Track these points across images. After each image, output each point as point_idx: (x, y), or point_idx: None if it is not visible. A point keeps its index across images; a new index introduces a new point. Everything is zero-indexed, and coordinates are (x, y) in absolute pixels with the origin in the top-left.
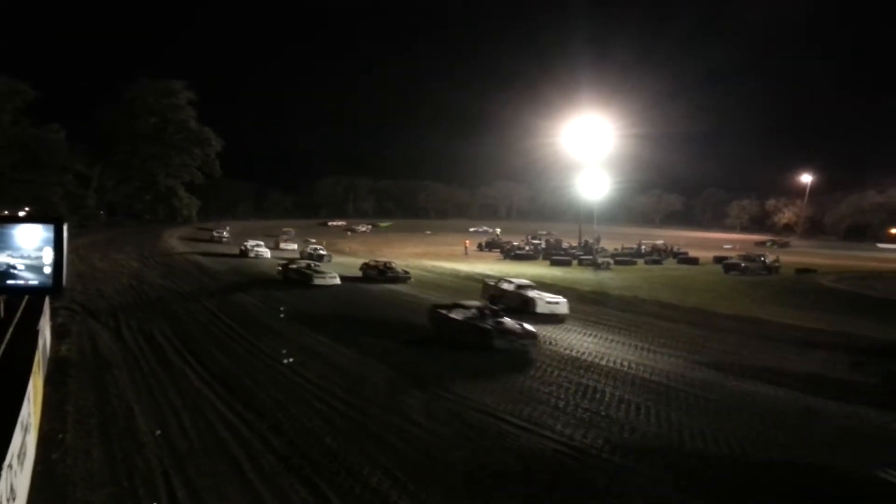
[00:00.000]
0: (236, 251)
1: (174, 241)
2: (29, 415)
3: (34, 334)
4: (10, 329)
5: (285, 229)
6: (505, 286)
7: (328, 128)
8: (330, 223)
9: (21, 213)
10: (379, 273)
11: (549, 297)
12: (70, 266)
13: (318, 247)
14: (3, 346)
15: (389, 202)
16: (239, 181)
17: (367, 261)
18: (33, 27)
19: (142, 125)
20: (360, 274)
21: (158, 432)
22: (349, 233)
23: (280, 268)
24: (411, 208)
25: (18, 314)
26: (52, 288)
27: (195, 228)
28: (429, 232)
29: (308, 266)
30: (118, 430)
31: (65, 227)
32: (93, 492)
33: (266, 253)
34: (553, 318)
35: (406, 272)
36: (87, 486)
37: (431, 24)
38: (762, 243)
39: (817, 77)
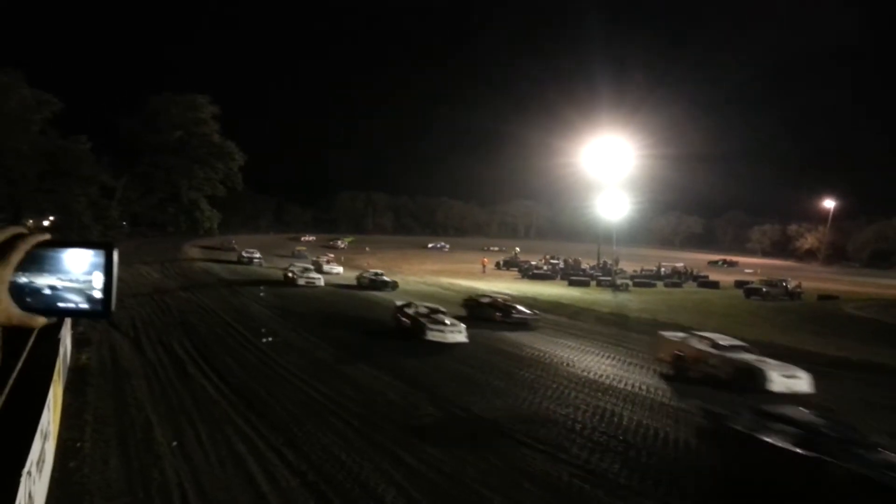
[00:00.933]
0: (272, 273)
1: (195, 251)
2: (49, 422)
3: (55, 343)
4: (32, 337)
5: (298, 248)
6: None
7: (348, 144)
8: (303, 238)
9: (72, 238)
10: (501, 314)
11: None
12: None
13: (379, 272)
14: (25, 354)
15: (407, 218)
16: (260, 195)
17: (474, 295)
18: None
19: (166, 138)
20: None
21: (175, 443)
22: (367, 248)
23: (396, 315)
24: (429, 225)
25: None
26: (102, 312)
27: (215, 244)
28: (446, 248)
29: (427, 313)
30: (135, 440)
31: (115, 253)
32: (109, 501)
33: (320, 280)
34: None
35: (535, 313)
36: (104, 495)
37: (452, 44)
38: (714, 262)
39: (842, 101)
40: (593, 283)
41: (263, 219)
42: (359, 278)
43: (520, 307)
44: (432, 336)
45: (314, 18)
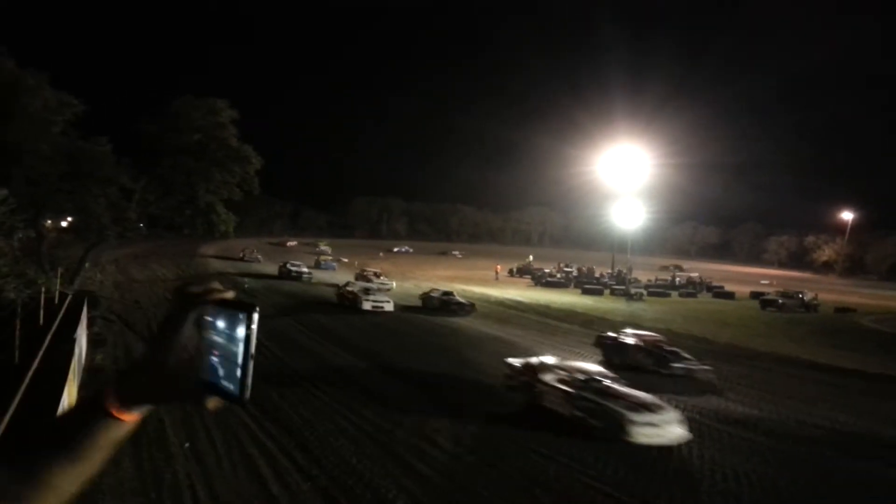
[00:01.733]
0: (322, 292)
1: (216, 262)
2: None
3: (70, 343)
4: (49, 336)
5: (323, 257)
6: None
7: (365, 150)
8: (289, 243)
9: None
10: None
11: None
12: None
13: (448, 291)
14: (41, 353)
15: (422, 224)
16: (276, 199)
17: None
18: (87, 43)
19: (186, 140)
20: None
21: (187, 445)
22: (381, 254)
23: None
24: (444, 231)
25: (57, 322)
26: (236, 394)
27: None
28: (459, 255)
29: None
30: (148, 441)
31: (255, 317)
32: (121, 502)
33: (390, 304)
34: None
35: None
36: (116, 495)
37: (469, 52)
38: (665, 267)
39: (862, 112)
40: (607, 291)
41: (278, 223)
42: (424, 298)
43: None
44: (643, 437)
45: (332, 25)
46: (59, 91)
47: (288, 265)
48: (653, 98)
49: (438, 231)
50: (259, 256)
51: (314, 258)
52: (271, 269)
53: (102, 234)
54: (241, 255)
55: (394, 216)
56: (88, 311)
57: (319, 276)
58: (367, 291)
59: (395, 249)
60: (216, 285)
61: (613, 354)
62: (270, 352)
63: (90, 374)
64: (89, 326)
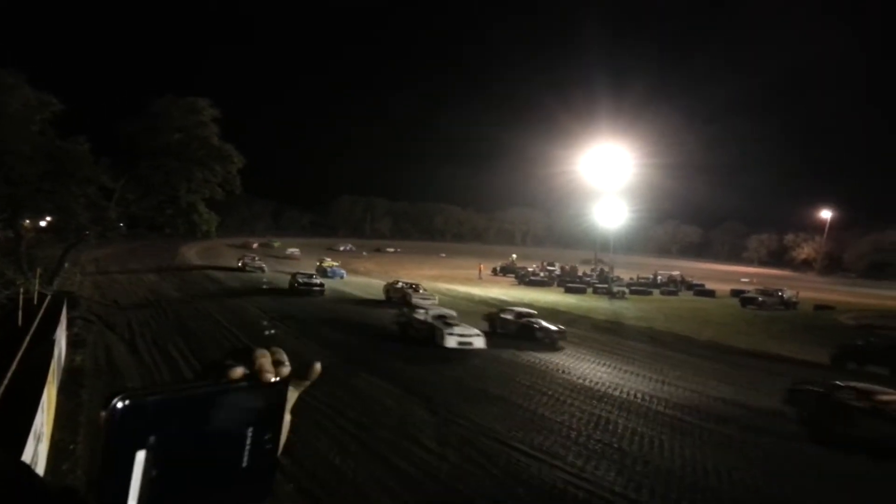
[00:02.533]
0: (370, 315)
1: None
2: (42, 424)
3: (50, 344)
4: (28, 338)
5: (327, 263)
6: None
7: (348, 150)
8: (254, 245)
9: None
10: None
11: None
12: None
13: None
14: (20, 355)
15: (406, 223)
16: (258, 198)
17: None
18: (63, 42)
19: (166, 140)
20: None
21: None
22: (365, 253)
23: None
24: (428, 230)
25: (36, 323)
26: (258, 494)
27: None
28: (443, 255)
29: None
30: None
31: (287, 393)
32: None
33: (480, 340)
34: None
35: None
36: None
37: (454, 52)
38: (586, 261)
39: (840, 112)
40: (590, 290)
41: (260, 222)
42: (492, 319)
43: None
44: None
45: (316, 24)
46: (39, 90)
47: (298, 277)
48: (635, 98)
49: (423, 230)
50: (263, 265)
51: (311, 264)
52: (272, 277)
53: (82, 233)
54: (239, 263)
55: (378, 215)
56: (68, 312)
57: (329, 285)
58: (444, 321)
59: (389, 249)
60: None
61: (497, 326)
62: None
63: (70, 376)
64: (69, 327)
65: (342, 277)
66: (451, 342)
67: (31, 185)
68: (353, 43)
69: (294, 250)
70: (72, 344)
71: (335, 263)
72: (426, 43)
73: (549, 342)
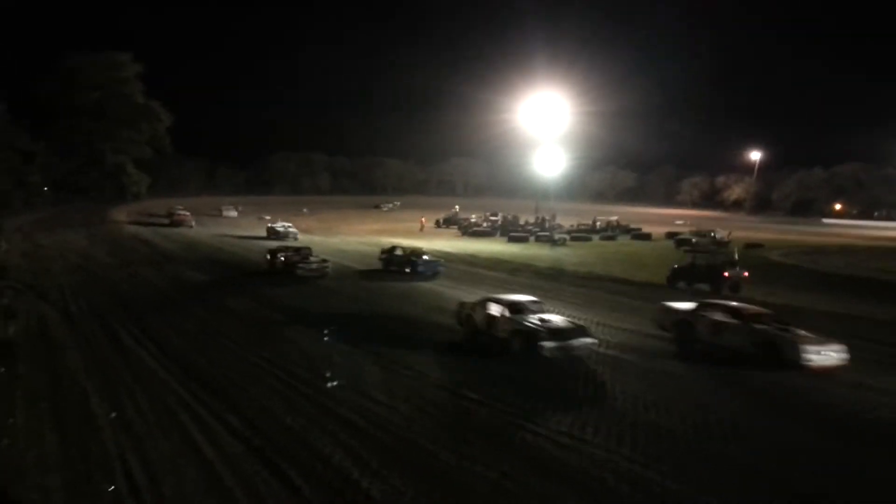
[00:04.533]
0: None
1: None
2: None
3: None
4: None
5: (278, 225)
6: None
7: (283, 103)
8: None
9: None
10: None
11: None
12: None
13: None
14: None
15: (345, 178)
16: (190, 157)
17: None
18: None
19: (83, 99)
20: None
21: (114, 415)
22: (305, 210)
23: None
24: (368, 185)
25: None
26: None
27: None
28: (386, 208)
29: None
30: (71, 414)
31: None
32: (46, 476)
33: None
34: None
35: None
36: (41, 470)
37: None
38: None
39: (768, 56)
40: (532, 238)
41: (192, 182)
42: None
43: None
44: None
45: None
46: None
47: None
48: (571, 46)
49: (363, 185)
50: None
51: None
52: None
53: (5, 200)
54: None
55: (315, 171)
56: None
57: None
58: (518, 311)
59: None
60: None
61: (389, 264)
62: None
63: (2, 348)
64: None
65: (296, 239)
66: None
67: None
68: None
69: (231, 211)
70: (3, 315)
71: (288, 224)
72: None
73: (431, 274)
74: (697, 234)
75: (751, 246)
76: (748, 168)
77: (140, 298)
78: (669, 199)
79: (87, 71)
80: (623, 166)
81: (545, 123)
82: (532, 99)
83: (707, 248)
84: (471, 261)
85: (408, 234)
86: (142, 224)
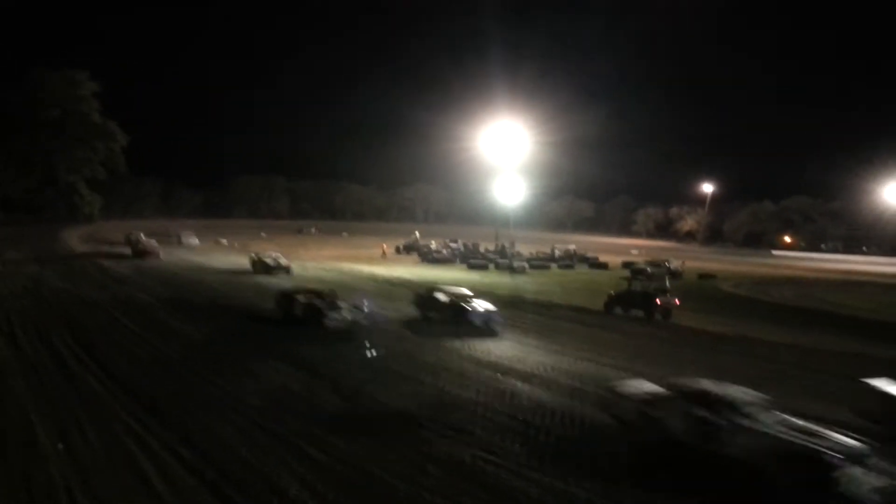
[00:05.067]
0: None
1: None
2: None
3: None
4: None
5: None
6: None
7: (244, 126)
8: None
9: None
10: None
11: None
12: None
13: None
14: None
15: (305, 203)
16: (146, 178)
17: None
18: None
19: (43, 116)
20: None
21: (61, 445)
22: (263, 234)
23: None
24: (328, 210)
25: None
26: None
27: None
28: (345, 234)
29: None
30: (16, 444)
31: None
32: None
33: None
34: None
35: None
36: None
37: (352, 26)
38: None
39: (721, 90)
40: (492, 266)
41: (148, 203)
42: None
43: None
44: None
45: None
46: None
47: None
48: (531, 76)
49: (323, 210)
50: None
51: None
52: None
53: None
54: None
55: (275, 195)
56: None
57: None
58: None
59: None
60: None
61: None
62: None
63: None
64: None
65: (289, 273)
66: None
67: None
68: (246, 12)
69: (192, 238)
70: None
71: (277, 254)
72: (323, 16)
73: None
74: (652, 263)
75: (704, 276)
76: (701, 200)
77: (90, 323)
78: (625, 229)
79: (46, 87)
80: (581, 196)
81: (505, 152)
82: (492, 127)
83: (647, 275)
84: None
85: (369, 260)
86: (100, 256)
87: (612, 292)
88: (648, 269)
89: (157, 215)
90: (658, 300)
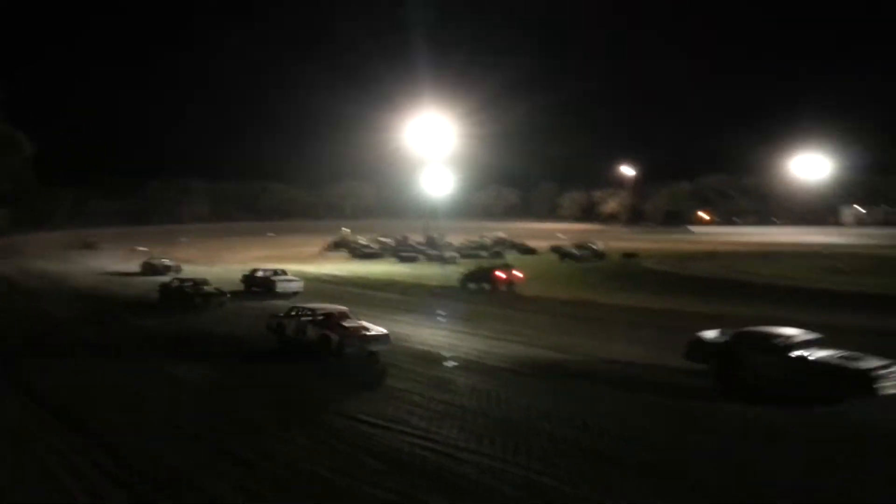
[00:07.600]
0: None
1: None
2: None
3: None
4: None
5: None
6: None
7: (159, 128)
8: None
9: None
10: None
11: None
12: None
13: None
14: None
15: (228, 205)
16: (58, 189)
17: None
18: None
19: None
20: None
21: None
22: (184, 239)
23: None
24: (252, 210)
25: None
26: None
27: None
28: (271, 234)
29: None
30: None
31: None
32: None
33: None
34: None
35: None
36: None
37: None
38: (416, 229)
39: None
40: (422, 258)
41: (59, 214)
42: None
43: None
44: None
45: None
46: None
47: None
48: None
49: (247, 211)
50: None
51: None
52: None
53: None
54: None
55: (195, 199)
56: None
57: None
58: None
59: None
60: None
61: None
62: None
63: None
64: None
65: (178, 273)
66: None
67: None
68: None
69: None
70: None
71: (166, 258)
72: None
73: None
74: (579, 246)
75: (627, 255)
76: (623, 182)
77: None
78: (552, 214)
79: None
80: (507, 184)
81: (431, 144)
82: (418, 120)
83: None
84: (362, 283)
85: (297, 259)
86: None
87: (465, 271)
88: (576, 251)
89: (70, 225)
90: (499, 274)
